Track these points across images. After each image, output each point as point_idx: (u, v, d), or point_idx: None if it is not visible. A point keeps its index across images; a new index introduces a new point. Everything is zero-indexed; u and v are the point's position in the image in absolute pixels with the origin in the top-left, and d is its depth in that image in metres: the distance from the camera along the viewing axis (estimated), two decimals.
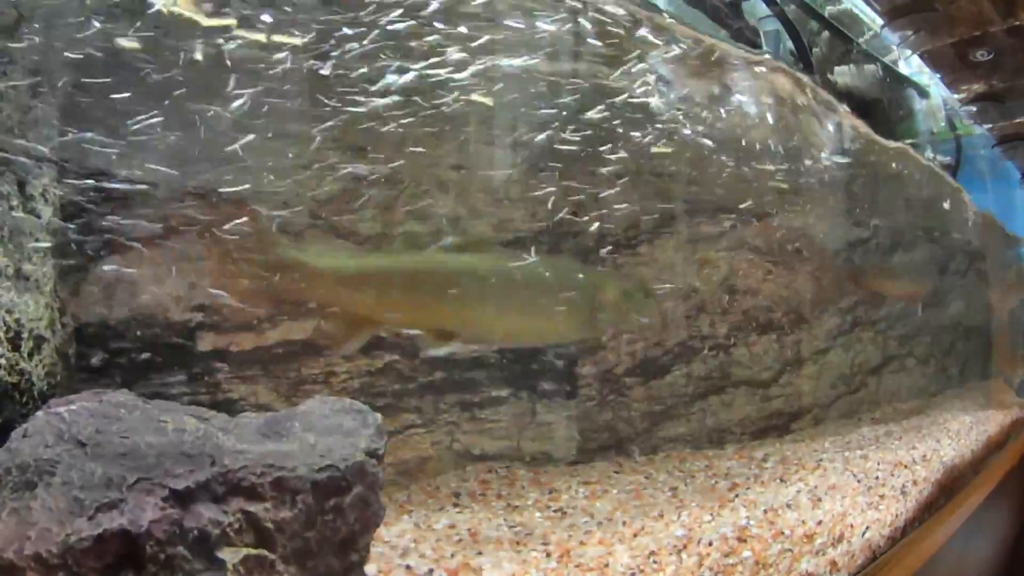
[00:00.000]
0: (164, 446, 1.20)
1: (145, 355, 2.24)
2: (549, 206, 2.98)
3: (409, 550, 2.07)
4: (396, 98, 2.49)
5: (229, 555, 1.16)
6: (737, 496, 2.70)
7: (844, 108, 4.58)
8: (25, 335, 1.74)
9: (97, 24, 2.05)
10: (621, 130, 3.22)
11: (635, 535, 2.23)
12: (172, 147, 2.18)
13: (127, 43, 2.11)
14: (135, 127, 2.08)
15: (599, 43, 3.08)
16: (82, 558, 1.05)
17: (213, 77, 2.24)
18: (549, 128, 2.89)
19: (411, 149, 2.65)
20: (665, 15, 3.55)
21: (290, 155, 2.47)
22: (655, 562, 1.96)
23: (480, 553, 2.07)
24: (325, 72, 2.40)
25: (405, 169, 2.69)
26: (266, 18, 2.36)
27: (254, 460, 1.25)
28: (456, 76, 2.65)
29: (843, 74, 5.37)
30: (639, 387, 3.61)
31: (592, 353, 3.43)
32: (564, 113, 2.96)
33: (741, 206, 3.89)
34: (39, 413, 1.22)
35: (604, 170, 3.15)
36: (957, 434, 4.25)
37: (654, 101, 3.36)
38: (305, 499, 1.26)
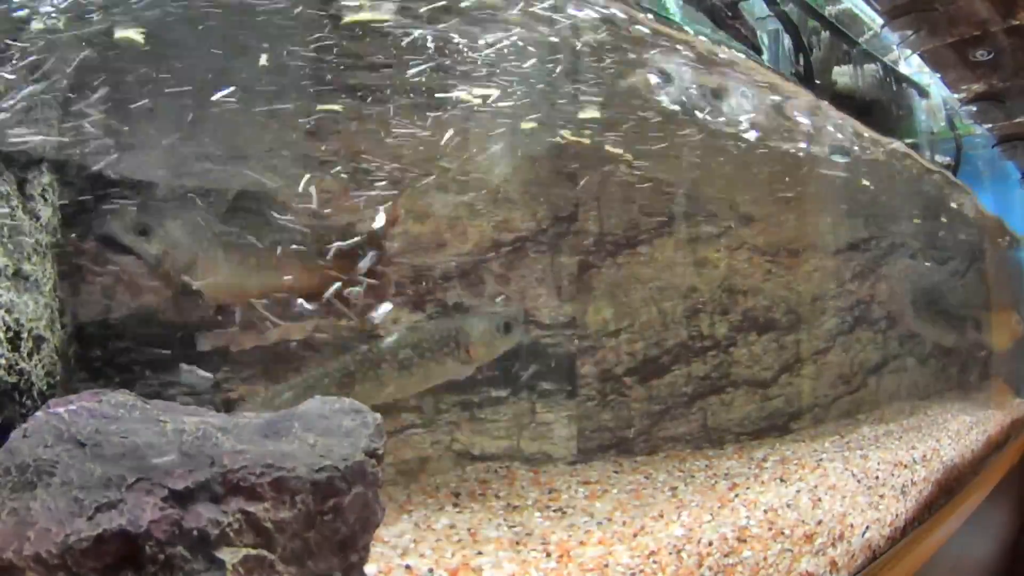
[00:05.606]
0: (164, 446, 1.20)
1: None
2: None
3: (409, 550, 2.07)
4: None
5: (228, 555, 1.16)
6: (737, 496, 2.70)
7: None
8: (25, 335, 1.74)
9: None
10: None
11: (635, 535, 2.23)
12: None
13: None
14: None
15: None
16: (81, 558, 1.04)
17: None
18: None
19: None
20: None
21: None
22: (655, 562, 1.96)
23: (480, 553, 2.07)
24: None
25: None
26: None
27: (253, 460, 1.24)
28: None
29: (843, 74, 5.35)
30: (639, 387, 3.61)
31: (592, 353, 3.43)
32: None
33: None
34: (38, 413, 1.22)
35: None
36: (957, 434, 4.25)
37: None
38: (304, 499, 1.26)
